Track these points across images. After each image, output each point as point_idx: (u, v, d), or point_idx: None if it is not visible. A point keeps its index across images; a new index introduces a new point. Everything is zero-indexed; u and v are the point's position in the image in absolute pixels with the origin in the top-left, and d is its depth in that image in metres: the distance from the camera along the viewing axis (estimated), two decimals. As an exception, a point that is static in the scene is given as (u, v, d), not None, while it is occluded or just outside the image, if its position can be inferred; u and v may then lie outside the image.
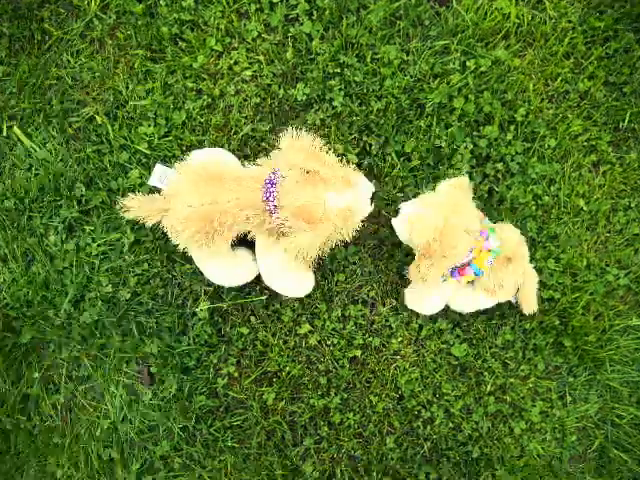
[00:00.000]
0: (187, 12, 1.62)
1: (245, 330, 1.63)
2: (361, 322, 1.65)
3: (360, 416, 1.67)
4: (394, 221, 1.41)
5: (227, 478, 1.66)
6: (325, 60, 1.61)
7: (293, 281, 1.50)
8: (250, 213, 1.32)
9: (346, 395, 1.66)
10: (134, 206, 1.38)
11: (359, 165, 1.63)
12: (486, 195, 1.66)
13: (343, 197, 1.28)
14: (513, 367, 1.70)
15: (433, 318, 1.65)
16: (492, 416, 1.70)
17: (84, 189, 1.60)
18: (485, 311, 1.61)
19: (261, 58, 1.63)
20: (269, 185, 1.31)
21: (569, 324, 1.69)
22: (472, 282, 1.53)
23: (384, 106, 1.62)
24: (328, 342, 1.65)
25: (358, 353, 1.65)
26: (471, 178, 1.62)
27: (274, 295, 1.59)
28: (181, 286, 1.62)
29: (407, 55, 1.64)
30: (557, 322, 1.68)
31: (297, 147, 1.28)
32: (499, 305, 1.59)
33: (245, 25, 1.63)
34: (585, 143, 1.72)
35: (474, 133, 1.65)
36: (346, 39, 1.62)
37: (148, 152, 1.59)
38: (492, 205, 1.66)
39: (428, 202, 1.37)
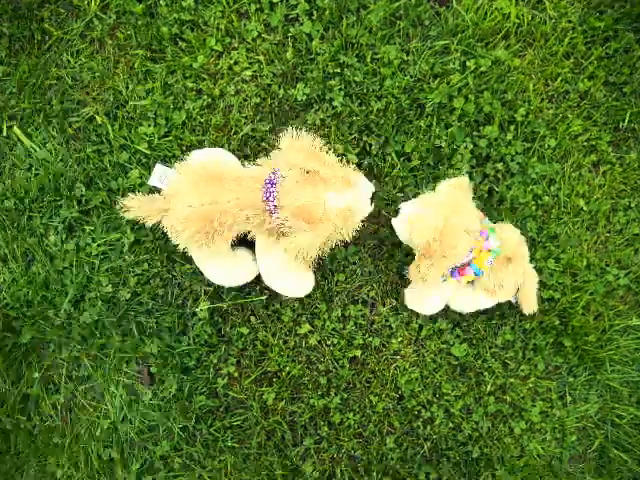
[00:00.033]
0: (187, 12, 1.62)
1: (245, 330, 1.63)
2: (361, 322, 1.65)
3: (360, 416, 1.67)
4: (394, 221, 1.41)
5: (227, 478, 1.66)
6: (325, 60, 1.61)
7: (293, 281, 1.50)
8: (250, 213, 1.32)
9: (346, 395, 1.66)
10: (134, 206, 1.38)
11: (359, 165, 1.63)
12: (486, 195, 1.66)
13: (343, 197, 1.28)
14: (513, 367, 1.70)
15: (433, 318, 1.65)
16: (492, 416, 1.70)
17: (84, 189, 1.60)
18: (485, 311, 1.61)
19: (261, 58, 1.63)
20: (269, 185, 1.31)
21: (569, 324, 1.69)
22: (472, 282, 1.53)
23: (384, 106, 1.62)
24: (328, 342, 1.65)
25: (358, 353, 1.65)
26: (471, 178, 1.62)
27: (274, 295, 1.59)
28: (181, 286, 1.62)
29: (407, 55, 1.64)
30: (557, 322, 1.68)
31: (297, 147, 1.28)
32: (499, 305, 1.59)
33: (245, 25, 1.63)
34: (585, 143, 1.72)
35: (474, 133, 1.65)
36: (346, 39, 1.62)
37: (148, 152, 1.59)
38: (492, 205, 1.66)
39: (428, 202, 1.37)
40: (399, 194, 1.64)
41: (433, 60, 1.63)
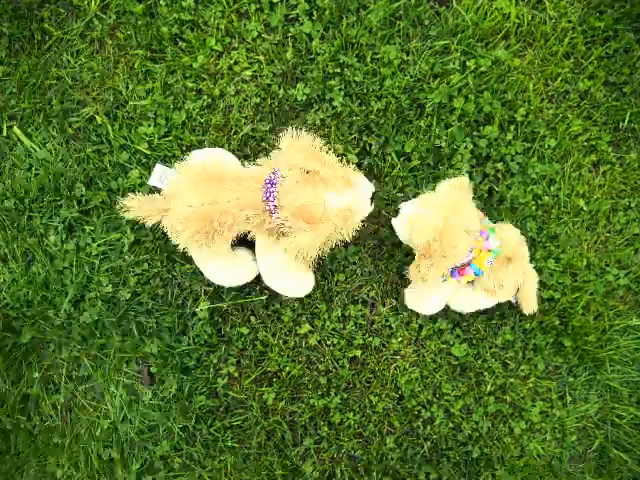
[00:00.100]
0: (187, 12, 1.62)
1: (245, 330, 1.63)
2: (361, 322, 1.65)
3: (360, 416, 1.67)
4: (394, 221, 1.41)
5: (227, 478, 1.66)
6: (325, 60, 1.61)
7: (293, 281, 1.50)
8: (250, 213, 1.32)
9: (346, 395, 1.66)
10: (134, 206, 1.38)
11: (359, 165, 1.63)
12: (486, 195, 1.66)
13: (343, 197, 1.28)
14: (513, 367, 1.70)
15: (433, 318, 1.65)
16: (492, 416, 1.70)
17: (84, 189, 1.60)
18: (485, 311, 1.61)
19: (261, 58, 1.63)
20: (269, 185, 1.31)
21: (569, 324, 1.69)
22: (472, 282, 1.53)
23: (384, 106, 1.62)
24: (328, 342, 1.65)
25: (358, 353, 1.65)
26: (471, 178, 1.62)
27: (274, 295, 1.59)
28: (181, 286, 1.62)
29: (407, 55, 1.64)
30: (557, 322, 1.68)
31: (297, 147, 1.28)
32: (499, 305, 1.59)
33: (245, 25, 1.63)
34: (585, 143, 1.72)
35: (474, 133, 1.65)
36: (346, 39, 1.62)
37: (148, 152, 1.59)
38: (492, 205, 1.66)
39: (428, 202, 1.37)
40: (399, 194, 1.64)
41: (433, 60, 1.63)
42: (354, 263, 1.65)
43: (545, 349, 1.70)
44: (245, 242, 1.45)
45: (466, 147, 1.63)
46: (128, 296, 1.60)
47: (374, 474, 1.67)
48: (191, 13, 1.62)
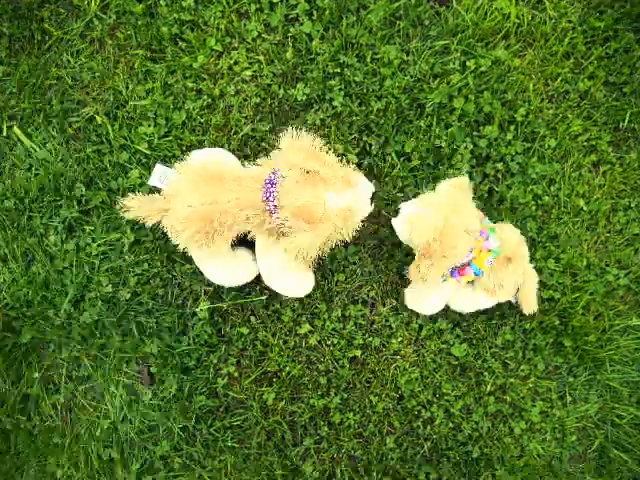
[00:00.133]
0: (187, 12, 1.62)
1: (245, 330, 1.63)
2: (361, 322, 1.65)
3: (360, 416, 1.67)
4: (394, 221, 1.41)
5: (227, 478, 1.66)
6: (325, 60, 1.61)
7: (293, 281, 1.50)
8: (250, 213, 1.32)
9: (346, 395, 1.66)
10: (134, 206, 1.38)
11: (359, 165, 1.63)
12: (486, 195, 1.66)
13: (343, 197, 1.28)
14: (513, 367, 1.70)
15: (433, 318, 1.65)
16: (492, 416, 1.70)
17: (84, 189, 1.60)
18: (485, 311, 1.61)
19: (261, 58, 1.63)
20: (269, 185, 1.31)
21: (569, 324, 1.69)
22: (472, 282, 1.53)
23: (384, 106, 1.62)
24: (328, 342, 1.65)
25: (358, 353, 1.65)
26: (471, 178, 1.62)
27: (274, 295, 1.59)
28: (181, 286, 1.62)
29: (407, 55, 1.64)
30: (557, 322, 1.68)
31: (297, 147, 1.28)
32: (499, 305, 1.59)
33: (245, 25, 1.63)
34: (585, 143, 1.72)
35: (474, 133, 1.65)
36: (346, 39, 1.62)
37: (148, 152, 1.59)
38: (492, 205, 1.66)
39: (428, 202, 1.37)
40: (399, 194, 1.64)
41: (433, 60, 1.63)
42: (354, 263, 1.65)
43: (545, 349, 1.70)
44: (245, 242, 1.45)
45: (466, 147, 1.63)
46: (128, 296, 1.60)
47: (374, 474, 1.67)
48: (191, 13, 1.62)
